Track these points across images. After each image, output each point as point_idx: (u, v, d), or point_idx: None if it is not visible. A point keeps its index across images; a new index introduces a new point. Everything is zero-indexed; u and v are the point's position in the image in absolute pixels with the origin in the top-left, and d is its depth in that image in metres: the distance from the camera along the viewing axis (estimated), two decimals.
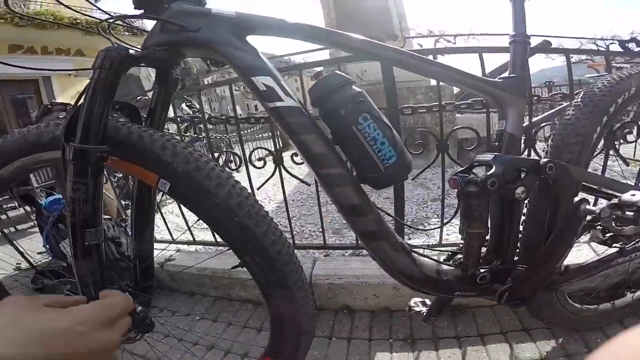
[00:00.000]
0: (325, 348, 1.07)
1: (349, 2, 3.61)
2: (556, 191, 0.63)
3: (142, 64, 0.58)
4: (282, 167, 1.29)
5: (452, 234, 1.50)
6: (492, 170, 0.59)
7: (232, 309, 1.34)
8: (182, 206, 1.36)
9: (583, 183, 0.69)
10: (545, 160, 0.61)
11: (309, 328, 0.68)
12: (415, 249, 0.61)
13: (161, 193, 0.58)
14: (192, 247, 1.64)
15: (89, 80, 0.53)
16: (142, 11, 0.59)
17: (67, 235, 1.43)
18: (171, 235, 1.60)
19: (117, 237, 1.44)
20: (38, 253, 2.10)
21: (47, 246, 1.66)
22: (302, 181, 1.28)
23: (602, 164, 1.11)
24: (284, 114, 0.54)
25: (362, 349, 1.05)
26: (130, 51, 0.54)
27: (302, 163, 1.24)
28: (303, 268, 0.63)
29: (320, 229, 1.40)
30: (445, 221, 0.80)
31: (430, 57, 0.77)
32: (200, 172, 0.51)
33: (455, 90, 2.29)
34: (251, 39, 0.58)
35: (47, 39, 6.64)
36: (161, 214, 1.64)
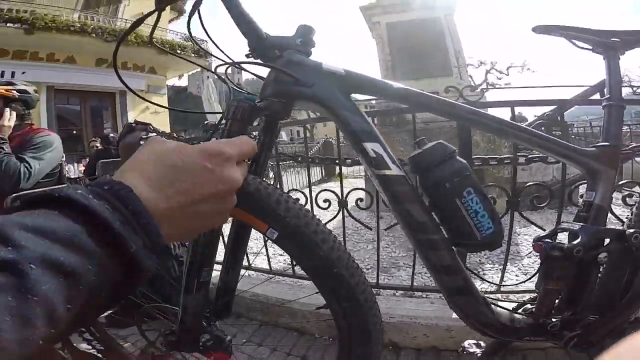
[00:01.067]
0: None
1: (403, 38, 3.63)
2: (638, 255, 0.64)
3: (262, 114, 0.63)
4: (345, 210, 1.35)
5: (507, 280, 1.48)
6: (579, 240, 0.62)
7: (278, 335, 1.37)
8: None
9: None
10: (632, 231, 0.63)
11: None
12: (492, 300, 0.64)
13: None
14: (247, 272, 1.71)
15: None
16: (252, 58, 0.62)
17: None
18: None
19: (180, 256, 1.53)
20: None
21: None
22: (365, 226, 1.35)
23: None
24: (390, 183, 0.58)
25: None
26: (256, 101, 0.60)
27: (366, 209, 1.33)
28: None
29: (367, 267, 1.43)
30: (525, 279, 0.84)
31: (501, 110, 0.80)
32: (309, 227, 0.57)
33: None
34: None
35: (126, 55, 7.40)
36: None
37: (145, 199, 0.27)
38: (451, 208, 0.57)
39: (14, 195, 1.53)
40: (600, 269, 0.70)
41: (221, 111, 0.67)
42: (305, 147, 1.28)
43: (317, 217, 0.62)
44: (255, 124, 0.73)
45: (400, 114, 2.21)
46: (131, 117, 7.74)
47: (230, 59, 0.66)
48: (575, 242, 0.61)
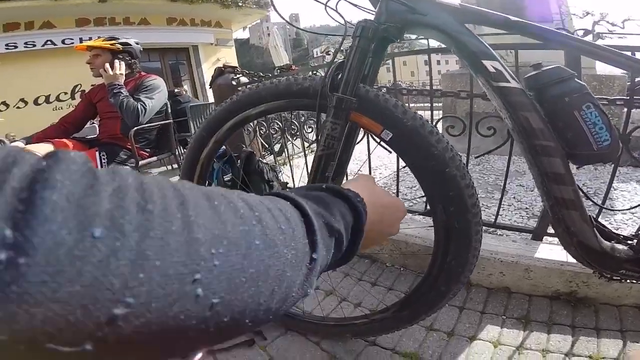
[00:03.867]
0: (436, 312, 1.13)
1: None
2: None
3: (381, 36, 0.69)
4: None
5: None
6: None
7: (361, 267, 1.45)
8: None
9: None
10: None
11: (464, 279, 0.75)
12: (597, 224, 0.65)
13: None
14: None
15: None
16: None
17: (229, 171, 1.72)
18: None
19: (271, 180, 1.69)
20: None
21: (216, 181, 1.97)
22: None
23: None
24: (509, 93, 0.62)
25: (472, 319, 1.10)
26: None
27: (458, 135, 1.31)
28: None
29: None
30: (623, 208, 0.82)
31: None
32: (425, 128, 0.64)
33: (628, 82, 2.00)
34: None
35: (193, 12, 7.68)
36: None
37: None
38: (569, 119, 0.60)
39: (135, 128, 1.83)
40: None
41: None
42: (430, 80, 1.28)
43: None
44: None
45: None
46: (205, 69, 8.19)
47: None
48: None
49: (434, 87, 1.30)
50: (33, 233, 0.13)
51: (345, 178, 0.90)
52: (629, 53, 0.78)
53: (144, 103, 1.85)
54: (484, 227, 1.35)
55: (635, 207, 0.71)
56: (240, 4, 7.67)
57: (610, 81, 2.62)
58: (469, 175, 0.66)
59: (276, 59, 7.38)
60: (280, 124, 1.84)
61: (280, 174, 1.84)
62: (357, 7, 0.76)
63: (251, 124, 1.95)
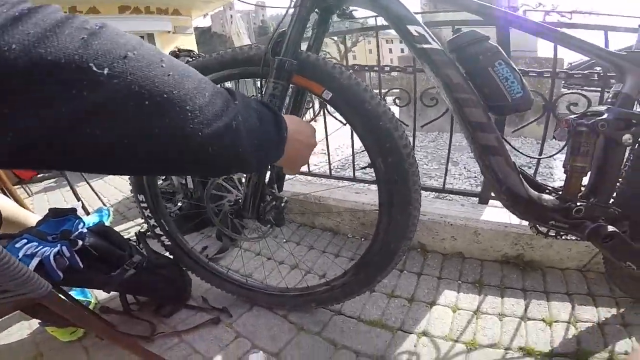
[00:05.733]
0: (396, 279, 1.19)
1: None
2: None
3: (321, 6, 0.74)
4: None
5: None
6: (604, 116, 0.67)
7: (313, 236, 1.52)
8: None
9: None
10: None
11: (411, 235, 0.81)
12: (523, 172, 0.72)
13: None
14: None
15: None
16: None
17: None
18: None
19: None
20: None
21: None
22: (402, 122, 1.33)
23: None
24: (430, 53, 0.68)
25: (430, 285, 1.16)
26: None
27: (404, 106, 1.37)
28: None
29: None
30: (549, 155, 0.91)
31: None
32: (359, 86, 0.69)
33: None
34: None
35: (148, 0, 7.33)
36: None
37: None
38: (485, 75, 0.66)
39: None
40: (626, 160, 0.75)
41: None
42: (378, 57, 1.34)
43: None
44: None
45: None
46: None
47: None
48: (600, 118, 0.67)
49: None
50: None
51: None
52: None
53: None
54: (434, 192, 1.47)
55: (557, 153, 0.79)
56: None
57: (550, 63, 2.82)
58: (402, 127, 0.71)
59: (239, 45, 7.21)
60: None
61: None
62: None
63: None
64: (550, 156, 1.10)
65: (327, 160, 1.68)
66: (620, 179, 0.76)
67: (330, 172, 1.69)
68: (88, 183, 2.05)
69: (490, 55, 0.66)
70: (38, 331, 1.06)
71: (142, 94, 0.28)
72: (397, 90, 1.44)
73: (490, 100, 0.68)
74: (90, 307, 1.10)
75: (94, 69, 0.25)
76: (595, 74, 1.08)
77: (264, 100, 0.68)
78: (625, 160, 0.74)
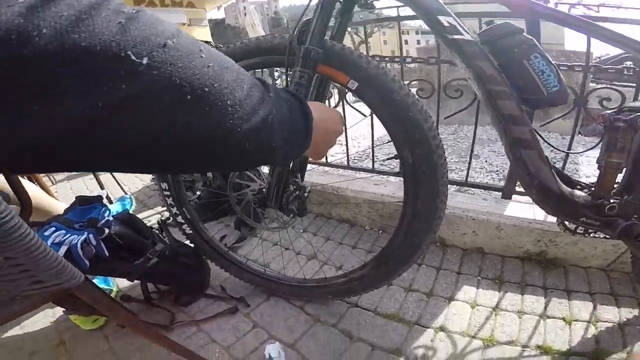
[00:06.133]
0: (414, 273, 1.18)
1: None
2: None
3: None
4: None
5: None
6: None
7: (330, 227, 1.51)
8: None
9: None
10: None
11: (436, 228, 0.79)
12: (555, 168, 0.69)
13: None
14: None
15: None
16: None
17: None
18: None
19: None
20: None
21: None
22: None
23: None
24: (462, 44, 0.65)
25: (449, 280, 1.14)
26: None
27: (427, 97, 1.33)
28: None
29: None
30: (581, 151, 0.87)
31: None
32: (387, 76, 0.67)
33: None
34: None
35: None
36: None
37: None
38: (520, 68, 0.64)
39: None
40: None
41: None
42: (400, 48, 1.32)
43: None
44: None
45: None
46: None
47: None
48: (639, 113, 0.63)
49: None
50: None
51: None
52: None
53: None
54: (456, 186, 1.44)
55: (591, 149, 0.77)
56: None
57: (578, 56, 2.72)
58: (432, 119, 0.69)
59: (253, 36, 7.22)
60: None
61: None
62: None
63: None
64: (582, 152, 1.06)
65: (345, 151, 1.67)
66: None
67: (348, 162, 1.68)
68: (111, 173, 2.10)
69: (525, 48, 0.64)
70: (61, 319, 1.10)
71: (183, 87, 0.26)
72: (416, 82, 1.41)
73: (524, 93, 0.65)
74: (112, 295, 1.13)
75: (132, 57, 0.23)
76: (630, 69, 1.03)
77: (290, 89, 0.67)
78: None
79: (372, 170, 1.60)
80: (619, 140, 0.66)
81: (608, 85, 1.08)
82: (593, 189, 0.72)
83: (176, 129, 0.27)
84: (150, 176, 1.08)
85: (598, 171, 0.71)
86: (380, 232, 1.46)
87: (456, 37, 0.65)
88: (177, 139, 0.27)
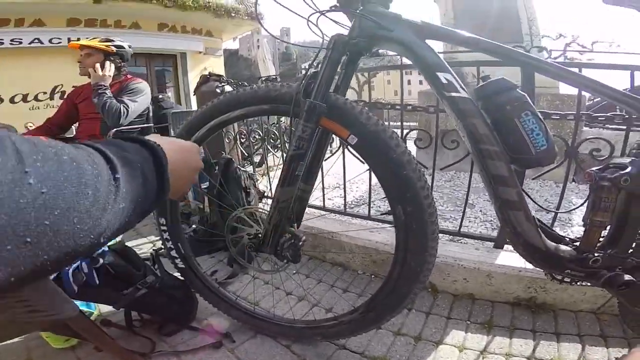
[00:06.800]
0: (404, 317, 1.17)
1: (470, 2, 3.49)
2: None
3: (352, 49, 0.77)
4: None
5: None
6: (627, 170, 0.66)
7: (323, 269, 1.50)
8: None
9: None
10: None
11: (424, 279, 0.80)
12: (542, 225, 0.72)
13: None
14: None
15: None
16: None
17: (206, 179, 1.71)
18: None
19: (248, 187, 1.69)
20: None
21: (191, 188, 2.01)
22: (422, 165, 1.39)
23: None
24: (458, 102, 0.69)
25: (439, 324, 1.14)
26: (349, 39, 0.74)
27: (424, 147, 1.38)
28: None
29: None
30: (573, 208, 0.88)
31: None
32: (386, 133, 0.70)
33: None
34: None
35: (185, 19, 7.75)
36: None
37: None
38: (511, 126, 0.67)
39: (115, 130, 1.86)
40: None
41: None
42: (401, 96, 1.38)
43: None
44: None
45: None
46: (191, 77, 8.20)
47: (318, 9, 0.79)
48: (623, 172, 0.66)
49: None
50: None
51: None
52: (576, 69, 0.87)
53: (126, 105, 1.87)
54: (450, 236, 1.46)
55: (577, 207, 0.79)
56: (232, 14, 7.78)
57: (572, 100, 2.81)
58: (425, 177, 0.72)
59: (263, 71, 7.51)
60: (261, 133, 1.89)
61: (257, 182, 1.86)
62: (336, 22, 0.83)
63: (232, 132, 1.99)
64: (569, 211, 1.09)
65: (343, 196, 1.69)
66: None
67: (345, 208, 1.69)
68: None
69: (517, 105, 0.67)
70: (32, 336, 1.06)
71: (18, 235, 0.23)
72: (416, 124, 1.45)
73: (514, 152, 0.68)
74: (93, 318, 1.11)
75: None
76: (619, 116, 1.08)
77: (295, 141, 0.71)
78: None
79: (368, 218, 1.62)
80: (603, 200, 0.68)
81: (598, 136, 1.12)
82: (578, 244, 0.74)
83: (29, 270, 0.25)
84: None
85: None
86: (372, 277, 1.45)
87: (453, 94, 0.70)
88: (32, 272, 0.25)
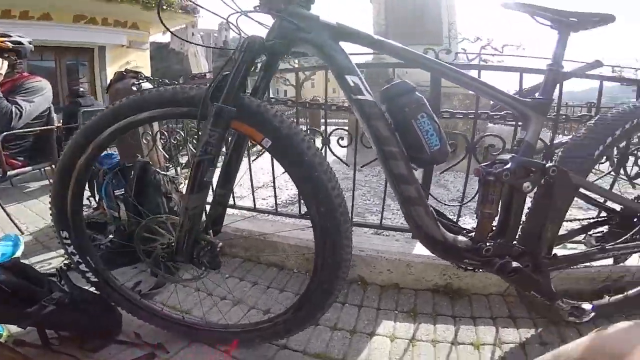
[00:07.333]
0: (338, 312, 1.22)
1: (400, 5, 3.63)
2: (555, 191, 0.79)
3: (268, 51, 0.76)
4: (327, 148, 1.43)
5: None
6: (508, 166, 0.76)
7: (258, 271, 1.49)
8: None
9: (581, 189, 0.84)
10: (550, 165, 0.78)
11: (343, 275, 0.85)
12: (440, 219, 0.79)
13: None
14: (230, 211, 1.80)
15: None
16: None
17: (122, 185, 1.58)
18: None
19: (169, 192, 1.58)
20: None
21: (104, 196, 1.74)
22: (342, 161, 1.46)
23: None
24: (364, 105, 0.73)
25: (370, 316, 1.20)
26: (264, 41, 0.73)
27: (345, 147, 1.44)
28: None
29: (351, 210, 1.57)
30: (465, 202, 0.98)
31: (473, 72, 0.93)
32: (298, 136, 0.72)
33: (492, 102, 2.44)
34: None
35: (108, 11, 7.06)
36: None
37: None
38: (408, 127, 0.72)
39: (6, 133, 1.62)
40: (530, 203, 0.86)
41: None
42: (325, 95, 1.39)
43: None
44: None
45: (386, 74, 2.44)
46: (110, 73, 7.45)
47: (240, 9, 0.78)
48: (504, 168, 0.76)
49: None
50: None
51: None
52: (476, 72, 0.96)
53: (19, 106, 1.67)
54: (373, 229, 1.54)
55: (469, 201, 0.89)
56: (164, 7, 7.24)
57: (481, 100, 3.12)
58: (335, 178, 0.75)
59: (195, 66, 7.12)
60: (183, 133, 1.79)
61: (181, 186, 1.76)
62: (260, 23, 0.82)
63: (149, 132, 1.86)
64: (464, 203, 1.20)
65: (274, 195, 1.69)
66: (522, 221, 0.86)
67: (276, 208, 1.69)
68: (2, 207, 1.84)
69: (415, 108, 0.73)
70: None
71: None
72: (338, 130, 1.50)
73: (412, 152, 0.74)
74: (2, 340, 1.01)
75: None
76: (510, 115, 1.21)
77: (202, 146, 0.68)
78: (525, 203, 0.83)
79: (299, 216, 1.64)
80: (489, 193, 0.77)
81: (492, 134, 1.27)
82: (473, 234, 0.84)
83: None
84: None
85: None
86: (307, 275, 1.47)
87: (359, 97, 0.73)
88: None
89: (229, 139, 0.85)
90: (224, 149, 0.81)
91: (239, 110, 0.71)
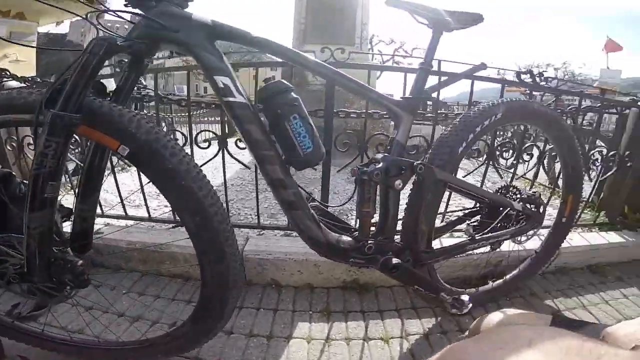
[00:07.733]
0: (253, 318, 1.19)
1: (321, 5, 3.70)
2: (424, 186, 0.86)
3: (125, 52, 0.69)
4: (225, 150, 1.40)
5: None
6: (379, 166, 0.79)
7: (161, 284, 1.39)
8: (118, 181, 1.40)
9: (449, 183, 0.92)
10: (417, 162, 0.83)
11: (235, 283, 0.80)
12: (322, 220, 0.80)
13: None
14: (123, 222, 1.67)
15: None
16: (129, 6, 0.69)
17: None
18: (101, 208, 1.58)
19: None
20: None
21: None
22: (243, 165, 1.43)
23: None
24: (234, 107, 0.69)
25: (286, 319, 1.19)
26: (118, 41, 0.65)
27: (245, 148, 1.38)
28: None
29: (256, 212, 1.55)
30: (344, 202, 1.00)
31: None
32: (159, 142, 0.65)
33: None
34: (219, 43, 0.74)
35: None
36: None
37: None
38: (282, 130, 0.71)
39: None
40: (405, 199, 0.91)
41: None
42: (187, 91, 1.34)
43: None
44: None
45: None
46: None
47: (104, 6, 0.71)
48: (375, 167, 0.79)
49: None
50: None
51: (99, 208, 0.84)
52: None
53: None
54: (282, 231, 1.53)
55: (345, 202, 0.92)
56: None
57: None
58: (208, 185, 0.70)
59: None
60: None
61: (59, 199, 1.53)
62: (132, 22, 0.74)
63: (14, 137, 1.59)
64: (343, 204, 1.24)
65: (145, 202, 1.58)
66: (400, 218, 0.91)
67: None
68: None
69: (288, 109, 0.71)
70: None
71: None
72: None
73: (287, 154, 0.73)
74: None
75: None
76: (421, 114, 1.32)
77: (37, 159, 0.58)
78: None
79: (176, 223, 1.58)
80: (365, 192, 0.80)
81: (380, 133, 1.35)
82: (356, 233, 0.86)
83: None
84: None
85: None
86: None
87: (230, 99, 0.69)
88: None
89: (87, 147, 0.75)
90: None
91: (87, 115, 0.62)
